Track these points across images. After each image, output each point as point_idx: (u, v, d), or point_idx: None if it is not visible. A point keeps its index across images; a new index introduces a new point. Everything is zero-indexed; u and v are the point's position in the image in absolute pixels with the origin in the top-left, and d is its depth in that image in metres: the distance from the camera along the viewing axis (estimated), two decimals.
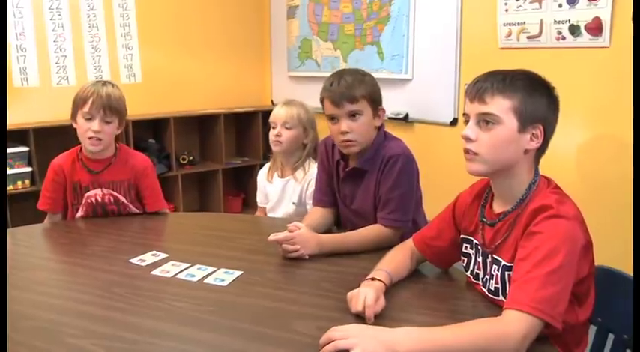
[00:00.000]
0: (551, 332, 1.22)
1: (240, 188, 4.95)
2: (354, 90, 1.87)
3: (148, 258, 1.77)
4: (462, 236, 1.54)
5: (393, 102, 3.52)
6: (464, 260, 1.54)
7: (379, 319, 1.32)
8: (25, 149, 3.73)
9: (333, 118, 1.93)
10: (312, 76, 4.37)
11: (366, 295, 1.35)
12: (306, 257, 1.74)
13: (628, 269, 1.45)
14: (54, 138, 3.61)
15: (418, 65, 3.68)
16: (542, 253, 1.22)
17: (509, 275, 1.33)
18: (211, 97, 4.72)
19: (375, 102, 1.93)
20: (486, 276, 1.44)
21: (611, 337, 1.50)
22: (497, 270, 1.38)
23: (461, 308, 1.47)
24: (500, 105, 1.31)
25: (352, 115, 1.90)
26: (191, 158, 4.55)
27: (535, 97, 1.32)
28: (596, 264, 1.38)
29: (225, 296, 1.50)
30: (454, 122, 3.48)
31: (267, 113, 2.78)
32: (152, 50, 4.39)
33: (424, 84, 3.67)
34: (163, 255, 1.78)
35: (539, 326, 1.18)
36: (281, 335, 1.29)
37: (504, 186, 1.39)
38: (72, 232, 2.14)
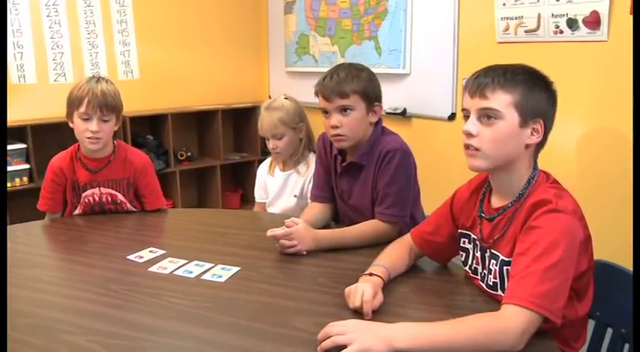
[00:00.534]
0: (551, 327, 1.22)
1: (239, 184, 4.94)
2: (345, 85, 1.87)
3: (146, 254, 1.77)
4: (460, 230, 1.54)
5: (390, 97, 3.50)
6: (462, 254, 1.54)
7: (377, 314, 1.32)
8: (23, 146, 3.73)
9: (326, 112, 1.93)
10: (310, 72, 4.35)
11: (363, 290, 1.34)
12: (304, 252, 1.74)
13: (627, 263, 1.45)
14: (51, 135, 3.61)
15: (416, 60, 3.67)
16: (541, 248, 1.21)
17: (507, 270, 1.33)
18: (209, 93, 4.71)
19: (369, 97, 1.91)
20: (485, 271, 1.44)
21: (609, 331, 1.50)
22: (496, 265, 1.38)
23: (459, 303, 1.47)
24: (502, 100, 1.30)
25: (343, 110, 1.89)
26: (189, 154, 4.54)
27: (535, 92, 1.32)
28: (595, 258, 1.38)
29: (222, 292, 1.50)
30: (452, 117, 3.47)
31: None
32: (149, 46, 4.38)
33: (422, 79, 3.66)
34: (161, 252, 1.78)
35: (538, 321, 1.18)
36: (279, 331, 1.28)
37: (504, 181, 1.39)
38: (70, 229, 2.14)
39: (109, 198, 2.22)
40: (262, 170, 2.61)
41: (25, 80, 3.90)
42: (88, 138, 2.08)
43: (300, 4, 4.44)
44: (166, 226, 2.24)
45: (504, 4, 3.04)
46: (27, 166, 3.75)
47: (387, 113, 3.61)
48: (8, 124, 3.57)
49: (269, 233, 1.74)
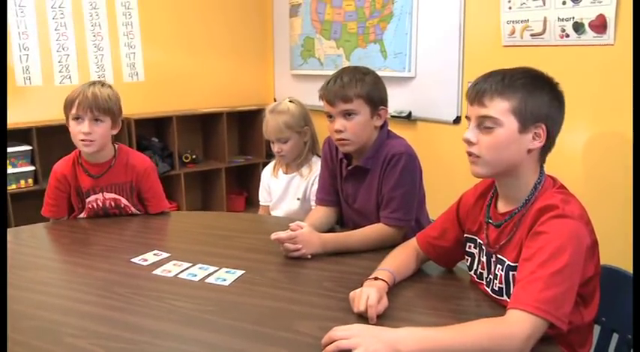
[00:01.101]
0: (556, 332, 1.21)
1: (243, 186, 4.94)
2: (348, 89, 1.86)
3: (150, 257, 1.77)
4: (465, 235, 1.53)
5: (395, 100, 3.49)
6: (467, 259, 1.53)
7: (382, 319, 1.31)
8: (28, 148, 3.73)
9: (330, 116, 1.93)
10: (315, 75, 4.35)
11: (368, 295, 1.33)
12: (309, 256, 1.73)
13: None
14: (57, 137, 3.60)
15: (421, 63, 3.67)
16: (547, 253, 1.20)
17: (513, 275, 1.32)
18: (214, 96, 4.71)
19: (373, 101, 1.90)
20: (490, 276, 1.43)
21: (615, 337, 1.48)
22: (502, 270, 1.37)
23: (464, 308, 1.46)
24: (499, 108, 1.30)
25: (347, 114, 1.89)
26: (194, 157, 4.54)
27: (536, 96, 1.31)
28: (601, 263, 1.37)
29: (226, 295, 1.50)
30: (457, 120, 3.46)
31: None
32: (154, 49, 4.38)
33: (427, 82, 3.65)
34: (165, 255, 1.78)
35: (544, 327, 1.17)
36: (283, 335, 1.28)
37: (509, 186, 1.38)
38: (74, 231, 2.13)
39: (113, 203, 2.22)
40: (266, 173, 2.61)
41: (31, 82, 3.91)
42: (82, 140, 2.07)
43: (305, 7, 4.45)
44: (170, 229, 2.23)
45: (510, 8, 3.04)
46: (32, 168, 3.75)
47: (392, 116, 3.60)
48: (13, 126, 3.59)
49: (273, 236, 1.73)
